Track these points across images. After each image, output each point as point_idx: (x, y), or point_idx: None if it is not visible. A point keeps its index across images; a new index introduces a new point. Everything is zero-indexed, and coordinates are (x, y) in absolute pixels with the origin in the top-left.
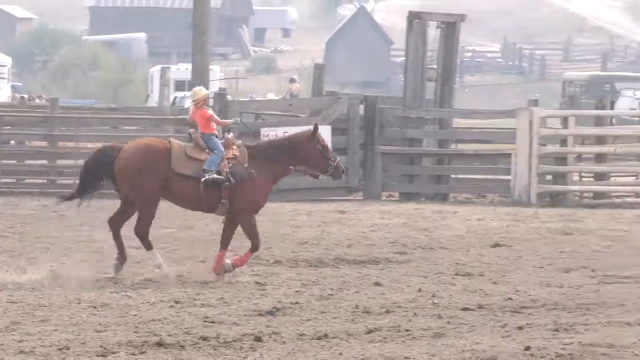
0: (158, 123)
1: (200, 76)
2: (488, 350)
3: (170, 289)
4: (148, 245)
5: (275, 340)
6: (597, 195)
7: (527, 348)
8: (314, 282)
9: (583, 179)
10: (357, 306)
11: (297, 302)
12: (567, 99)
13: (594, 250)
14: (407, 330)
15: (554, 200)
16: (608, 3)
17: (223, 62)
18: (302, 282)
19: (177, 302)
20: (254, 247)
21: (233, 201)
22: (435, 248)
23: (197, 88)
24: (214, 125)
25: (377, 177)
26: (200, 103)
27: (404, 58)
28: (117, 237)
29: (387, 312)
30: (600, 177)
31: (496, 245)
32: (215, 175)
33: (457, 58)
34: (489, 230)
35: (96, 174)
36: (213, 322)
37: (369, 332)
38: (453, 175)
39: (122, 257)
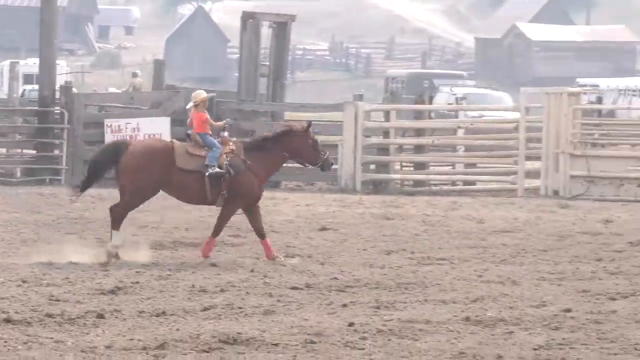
0: (8, 114)
1: (47, 70)
2: (315, 326)
3: (18, 270)
4: (116, 226)
5: (116, 317)
6: (417, 183)
7: (351, 324)
8: (153, 263)
9: (404, 168)
10: (193, 285)
11: (137, 282)
12: (389, 95)
13: (413, 234)
14: (240, 308)
15: (377, 187)
16: (428, 7)
17: (70, 58)
18: (142, 263)
19: (24, 282)
20: (261, 235)
21: (231, 191)
22: (267, 232)
23: (196, 92)
24: (207, 126)
25: None
26: (199, 105)
27: (239, 55)
28: (116, 226)
29: (222, 291)
30: (419, 166)
31: (323, 229)
32: (217, 169)
33: (289, 55)
34: (317, 215)
35: (104, 166)
36: (58, 300)
37: (205, 309)
38: (284, 164)
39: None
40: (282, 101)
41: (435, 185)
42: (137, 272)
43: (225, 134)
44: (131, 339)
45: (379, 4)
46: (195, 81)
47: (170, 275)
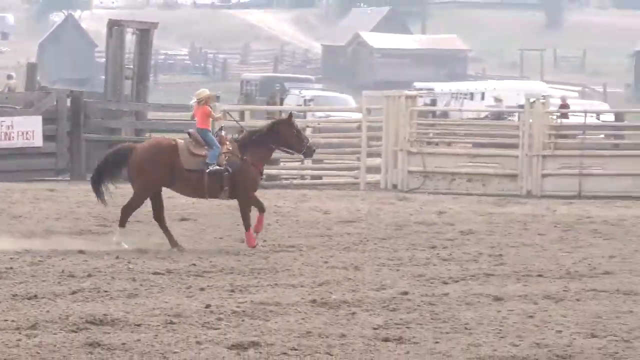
0: None
1: None
2: (174, 308)
3: None
4: (123, 223)
5: None
6: (269, 177)
7: (208, 306)
8: (26, 250)
9: None
10: (63, 271)
11: (11, 268)
12: (243, 96)
13: (266, 223)
14: (106, 292)
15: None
16: (279, 16)
17: None
18: (15, 250)
19: None
20: (261, 209)
21: (234, 187)
22: (131, 222)
23: (200, 89)
24: (210, 122)
25: (82, 161)
26: (202, 101)
27: (105, 59)
28: (164, 229)
29: (89, 275)
30: (271, 162)
31: (183, 219)
32: (217, 167)
33: (151, 60)
34: (177, 206)
35: (113, 168)
36: None
37: (73, 293)
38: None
39: (172, 242)
40: (145, 101)
41: (285, 179)
42: (11, 258)
43: (223, 132)
44: (5, 320)
45: (234, 14)
46: (65, 83)
47: (41, 261)
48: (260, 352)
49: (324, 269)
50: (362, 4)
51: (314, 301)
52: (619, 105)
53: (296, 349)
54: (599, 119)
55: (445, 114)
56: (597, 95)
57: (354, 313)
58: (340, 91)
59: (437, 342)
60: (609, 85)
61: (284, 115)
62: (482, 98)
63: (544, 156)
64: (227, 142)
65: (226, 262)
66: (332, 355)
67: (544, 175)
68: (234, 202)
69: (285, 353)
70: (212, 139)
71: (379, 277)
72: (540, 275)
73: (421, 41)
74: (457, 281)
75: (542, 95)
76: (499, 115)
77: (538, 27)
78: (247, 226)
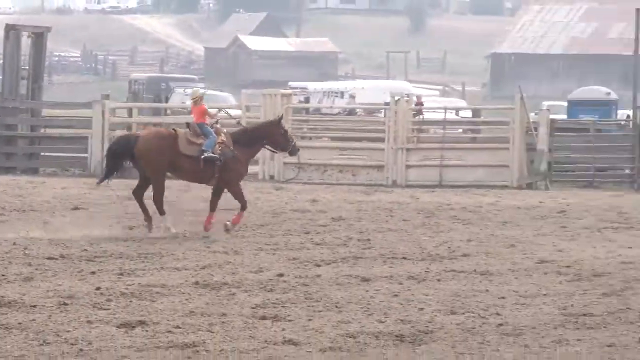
0: None
1: None
2: (67, 290)
3: None
4: (161, 212)
5: None
6: None
7: (98, 288)
8: None
9: None
10: None
11: None
12: (131, 95)
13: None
14: (3, 275)
15: (123, 173)
16: (165, 21)
17: None
18: None
19: None
20: (243, 207)
21: (222, 174)
22: (27, 210)
23: (194, 89)
24: (205, 117)
25: None
26: (197, 100)
27: (2, 60)
28: (141, 203)
29: None
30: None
31: (76, 208)
32: (211, 154)
33: (45, 61)
34: (70, 196)
35: (121, 156)
36: None
37: None
38: (43, 153)
39: (147, 217)
40: (39, 100)
41: None
42: None
43: (218, 125)
44: None
45: (123, 19)
46: None
47: None
48: (147, 331)
49: (206, 253)
50: (241, 10)
51: (196, 283)
52: (476, 102)
53: (180, 327)
54: (457, 115)
55: (317, 111)
56: (456, 94)
57: (233, 294)
58: (221, 90)
59: (310, 320)
60: (467, 85)
61: (276, 118)
62: (352, 97)
63: (407, 149)
64: (222, 134)
65: (116, 247)
66: (213, 332)
67: (407, 166)
68: (121, 192)
69: (170, 331)
70: (208, 130)
71: (257, 260)
72: (404, 258)
73: (295, 44)
74: (328, 263)
75: (406, 94)
76: (350, 112)
77: (402, 31)
78: (212, 208)
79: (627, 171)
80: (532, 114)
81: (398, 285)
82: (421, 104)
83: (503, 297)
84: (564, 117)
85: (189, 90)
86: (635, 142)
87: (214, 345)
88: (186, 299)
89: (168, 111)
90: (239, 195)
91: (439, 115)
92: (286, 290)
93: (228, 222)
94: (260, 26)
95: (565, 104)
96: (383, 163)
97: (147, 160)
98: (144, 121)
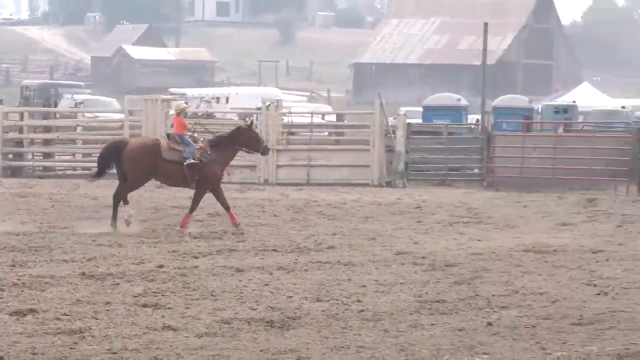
0: None
1: None
2: None
3: None
4: (126, 202)
5: None
6: (46, 169)
7: None
8: None
9: (35, 157)
10: None
11: None
12: (23, 100)
13: (42, 208)
14: None
15: (15, 172)
16: (54, 32)
17: None
18: None
19: None
20: (226, 207)
21: (201, 176)
22: None
23: (177, 103)
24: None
25: None
26: (179, 113)
27: None
28: (116, 206)
29: None
30: (47, 155)
31: None
32: (192, 160)
33: None
34: None
35: (110, 159)
36: None
37: None
38: None
39: (114, 218)
40: None
41: (60, 170)
42: None
43: (195, 134)
44: None
45: (15, 29)
46: None
47: None
48: (37, 318)
49: (93, 246)
50: (124, 22)
51: (83, 274)
52: (340, 108)
53: (68, 315)
54: (323, 119)
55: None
56: (323, 100)
57: (117, 283)
58: (106, 95)
59: (187, 307)
60: (332, 91)
61: (246, 124)
62: (227, 101)
63: (278, 150)
64: (200, 141)
65: (8, 241)
66: (98, 319)
67: (278, 166)
68: (13, 190)
69: (58, 318)
70: (187, 140)
71: (139, 252)
72: (275, 250)
73: (175, 53)
74: (205, 255)
75: (276, 100)
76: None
77: (273, 42)
78: (192, 209)
79: (476, 170)
80: (390, 119)
81: (269, 275)
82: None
83: (364, 286)
84: (420, 121)
85: (76, 96)
86: (484, 144)
87: (99, 331)
88: (73, 289)
89: (57, 115)
90: (198, 198)
91: (306, 120)
92: (166, 280)
93: (234, 224)
94: (143, 37)
95: (420, 109)
96: (255, 163)
97: (132, 164)
98: (35, 124)
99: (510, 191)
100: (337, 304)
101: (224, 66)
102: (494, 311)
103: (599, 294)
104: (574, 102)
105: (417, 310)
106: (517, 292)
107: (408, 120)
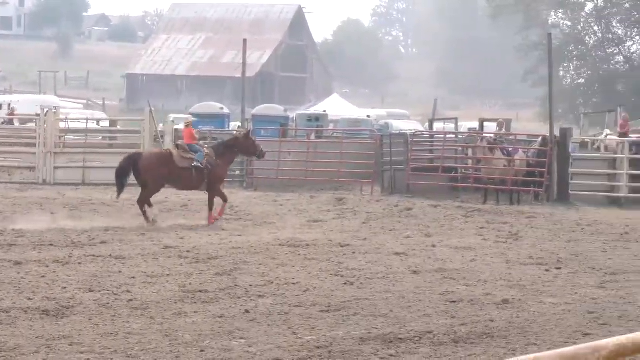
0: None
1: None
2: None
3: None
4: (149, 204)
5: None
6: None
7: None
8: None
9: None
10: None
11: None
12: None
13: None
14: None
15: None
16: None
17: None
18: None
19: None
20: (225, 200)
21: (209, 179)
22: None
23: (186, 117)
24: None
25: None
26: (188, 125)
27: None
28: (143, 209)
29: None
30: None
31: None
32: (199, 164)
33: None
34: None
35: (127, 172)
36: None
37: None
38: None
39: (147, 218)
40: None
41: None
42: None
43: (201, 142)
44: None
45: None
46: None
47: None
48: None
49: None
50: None
51: None
52: (114, 114)
53: None
54: (98, 125)
55: None
56: (98, 107)
57: None
58: None
59: None
60: (107, 99)
61: (246, 133)
62: (9, 108)
63: (55, 153)
64: (205, 148)
65: None
66: None
67: (56, 167)
68: None
69: None
70: (197, 147)
71: None
72: (51, 245)
73: None
74: None
75: (54, 107)
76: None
77: (53, 54)
78: (210, 208)
79: (237, 172)
80: (160, 125)
81: (45, 267)
82: (12, 113)
83: (133, 277)
84: None
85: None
86: None
87: None
88: None
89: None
90: (220, 194)
91: (82, 125)
92: None
93: (216, 215)
94: None
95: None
96: (35, 165)
97: (149, 174)
98: None
99: (268, 191)
100: (108, 294)
101: (8, 76)
102: (251, 300)
103: (345, 283)
104: (325, 111)
105: (181, 299)
106: (272, 282)
107: (175, 127)
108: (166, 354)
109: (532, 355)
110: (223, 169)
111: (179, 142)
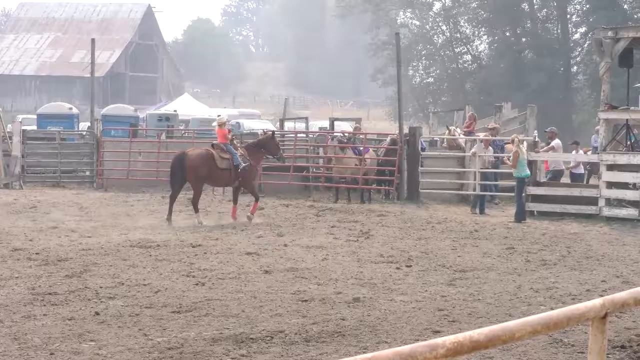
0: None
1: None
2: None
3: None
4: (196, 210)
5: None
6: None
7: None
8: None
9: None
10: None
11: None
12: None
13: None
14: None
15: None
16: None
17: None
18: None
19: None
20: (257, 199)
21: (244, 177)
22: None
23: (220, 116)
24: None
25: None
26: (222, 125)
27: None
28: (171, 205)
29: None
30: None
31: None
32: (243, 165)
33: None
34: None
35: (179, 169)
36: None
37: None
38: None
39: (169, 216)
40: None
41: None
42: None
43: (235, 142)
44: None
45: None
46: None
47: None
48: None
49: None
50: None
51: None
52: None
53: None
54: None
55: None
56: None
57: None
58: None
59: None
60: None
61: (270, 133)
62: None
63: None
64: (239, 148)
65: None
66: None
67: None
68: None
69: None
70: (230, 148)
71: None
72: None
73: None
74: None
75: None
76: None
77: None
78: (256, 199)
79: (87, 173)
80: (8, 125)
81: None
82: None
83: None
84: (35, 128)
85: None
86: (94, 149)
87: None
88: None
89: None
90: (254, 190)
91: None
92: None
93: (249, 214)
94: None
95: (35, 117)
96: None
97: (194, 174)
98: None
99: (118, 191)
100: None
101: None
102: (101, 301)
103: (197, 284)
104: (176, 111)
105: (30, 302)
106: (123, 283)
107: (24, 127)
108: (15, 358)
109: (369, 355)
110: (255, 168)
111: (214, 142)
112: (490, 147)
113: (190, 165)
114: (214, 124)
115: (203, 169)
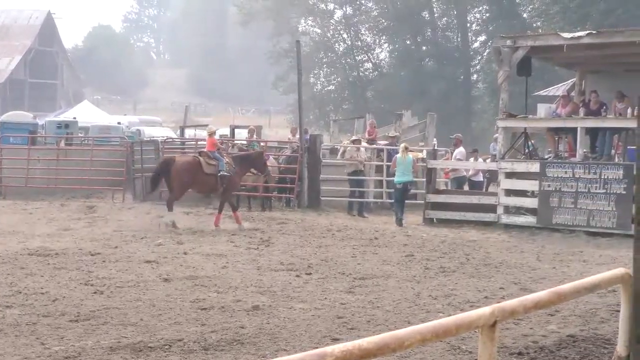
0: None
1: None
2: None
3: None
4: (171, 208)
5: None
6: None
7: None
8: None
9: None
10: None
11: None
12: None
13: None
14: None
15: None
16: None
17: None
18: None
19: None
20: (234, 209)
21: (227, 186)
22: None
23: (209, 126)
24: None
25: None
26: (212, 134)
27: None
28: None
29: None
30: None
31: None
32: (225, 173)
33: None
34: None
35: (161, 174)
36: None
37: None
38: None
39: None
40: None
41: None
42: None
43: (222, 152)
44: None
45: None
46: None
47: None
48: None
49: None
50: None
51: None
52: None
53: None
54: None
55: None
56: None
57: None
58: None
59: None
60: None
61: (259, 152)
62: None
63: None
64: (226, 156)
65: None
66: None
67: None
68: None
69: None
70: (217, 155)
71: None
72: None
73: None
74: None
75: None
76: None
77: None
78: (220, 210)
79: None
80: None
81: None
82: None
83: None
84: None
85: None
86: None
87: None
88: None
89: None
90: (230, 200)
91: None
92: None
93: (238, 224)
94: None
95: None
96: None
97: (178, 179)
98: None
99: (17, 199)
100: None
101: None
102: None
103: (95, 292)
104: (75, 118)
105: None
106: (20, 292)
107: None
108: None
109: None
110: (239, 178)
111: (203, 150)
112: (362, 150)
113: (176, 172)
114: (204, 133)
115: (187, 176)
